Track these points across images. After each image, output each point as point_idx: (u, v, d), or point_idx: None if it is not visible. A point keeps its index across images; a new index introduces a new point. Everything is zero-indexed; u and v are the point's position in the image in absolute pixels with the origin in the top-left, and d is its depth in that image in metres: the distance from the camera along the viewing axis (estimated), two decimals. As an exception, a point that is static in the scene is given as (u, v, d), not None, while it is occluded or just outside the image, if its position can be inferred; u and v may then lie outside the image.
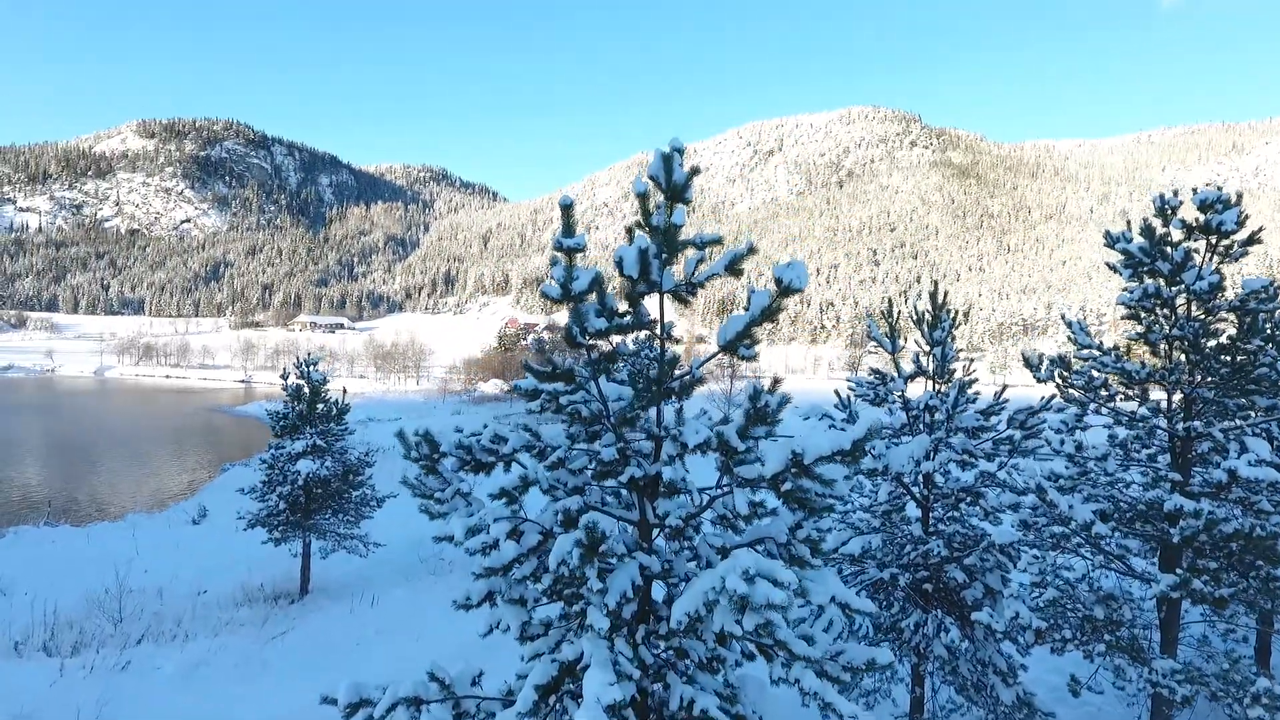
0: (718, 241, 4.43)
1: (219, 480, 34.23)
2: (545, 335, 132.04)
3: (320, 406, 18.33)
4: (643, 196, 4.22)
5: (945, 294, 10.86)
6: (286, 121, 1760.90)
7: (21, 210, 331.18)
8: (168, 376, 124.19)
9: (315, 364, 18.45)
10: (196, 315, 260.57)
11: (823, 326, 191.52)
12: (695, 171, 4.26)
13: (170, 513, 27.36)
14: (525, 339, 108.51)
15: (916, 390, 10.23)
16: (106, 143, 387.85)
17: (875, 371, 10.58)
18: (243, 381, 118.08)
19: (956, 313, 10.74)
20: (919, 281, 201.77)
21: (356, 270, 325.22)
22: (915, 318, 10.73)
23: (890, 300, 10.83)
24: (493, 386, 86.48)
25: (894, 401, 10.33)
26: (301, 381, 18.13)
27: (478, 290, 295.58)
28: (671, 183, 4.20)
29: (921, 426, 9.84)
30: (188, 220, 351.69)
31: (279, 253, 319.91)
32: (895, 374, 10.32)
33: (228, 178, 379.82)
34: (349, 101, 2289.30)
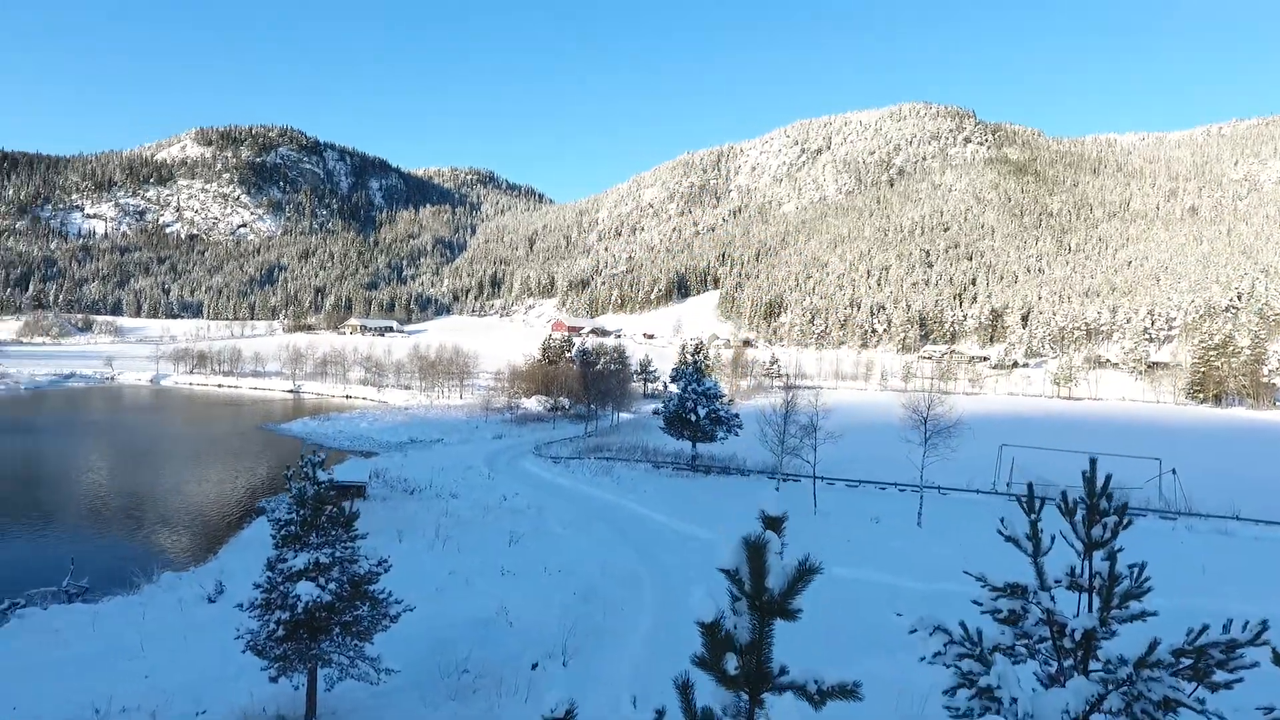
0: None
1: (247, 532, 32.82)
2: (590, 342, 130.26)
3: (328, 510, 16.24)
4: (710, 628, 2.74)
5: (1108, 477, 8.10)
6: (338, 127, 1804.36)
7: (89, 217, 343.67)
8: (220, 385, 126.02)
9: (320, 462, 16.36)
10: (252, 318, 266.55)
11: (873, 330, 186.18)
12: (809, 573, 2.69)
13: (189, 581, 25.82)
14: (569, 350, 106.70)
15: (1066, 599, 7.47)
16: (167, 151, 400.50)
17: (1012, 586, 7.82)
18: (291, 392, 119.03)
19: (1123, 509, 7.89)
20: (974, 284, 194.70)
21: (405, 273, 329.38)
22: (1066, 507, 7.94)
23: (1030, 486, 8.10)
24: (536, 403, 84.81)
25: (1037, 623, 7.58)
26: (306, 483, 16.05)
27: (524, 292, 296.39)
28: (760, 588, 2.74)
29: (1077, 664, 7.08)
30: (244, 225, 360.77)
31: (330, 256, 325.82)
32: (1038, 583, 7.60)
33: (282, 183, 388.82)
34: (398, 106, 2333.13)
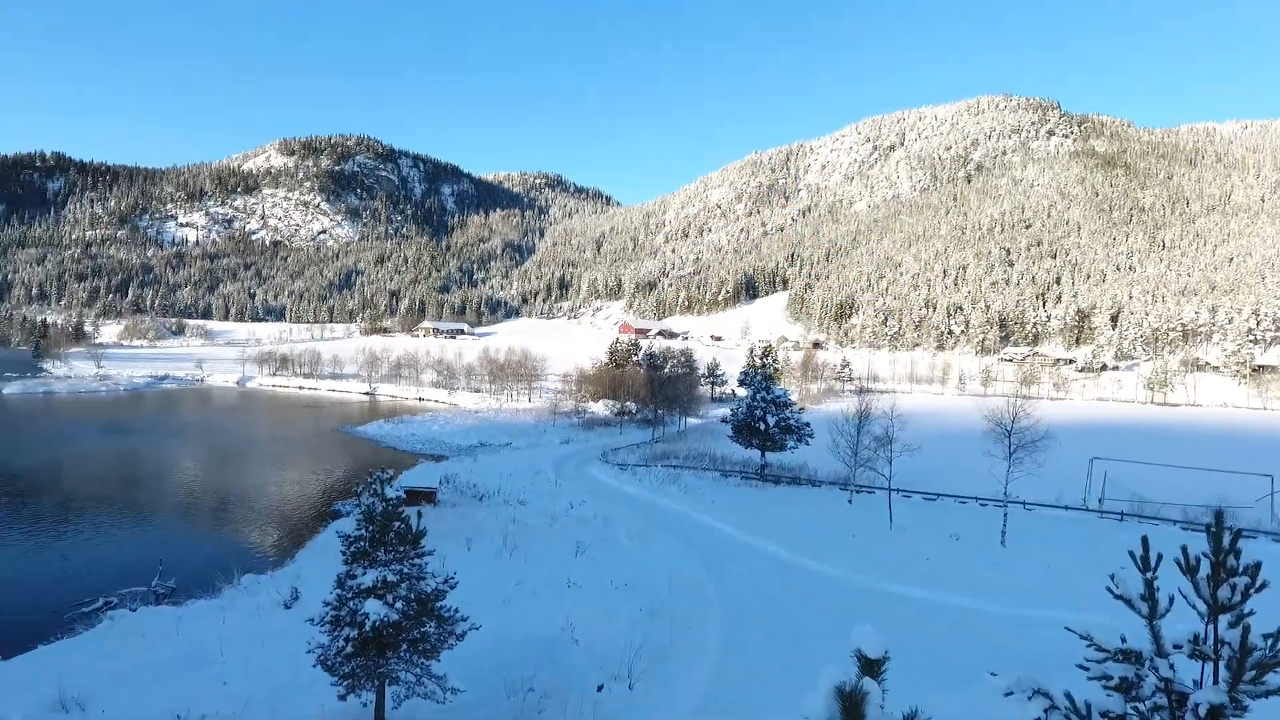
0: None
1: (322, 537, 33.59)
2: (656, 345, 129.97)
3: (395, 527, 16.24)
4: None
5: (1237, 533, 7.16)
6: (412, 135, 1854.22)
7: (182, 226, 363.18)
8: (300, 388, 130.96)
9: (389, 479, 16.37)
10: (330, 321, 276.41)
11: (950, 332, 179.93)
12: None
13: (267, 586, 26.49)
14: (636, 354, 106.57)
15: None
16: (253, 161, 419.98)
17: (1125, 651, 6.96)
18: (367, 394, 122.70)
19: (1256, 570, 6.94)
20: (1058, 283, 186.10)
21: (476, 276, 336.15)
22: (1187, 565, 7.05)
23: (1145, 540, 7.19)
24: (603, 407, 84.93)
25: (1153, 692, 6.71)
26: (375, 499, 16.09)
27: (591, 295, 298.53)
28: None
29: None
30: (324, 231, 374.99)
31: (405, 260, 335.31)
32: (1155, 648, 6.73)
33: (359, 190, 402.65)
34: (469, 113, 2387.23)
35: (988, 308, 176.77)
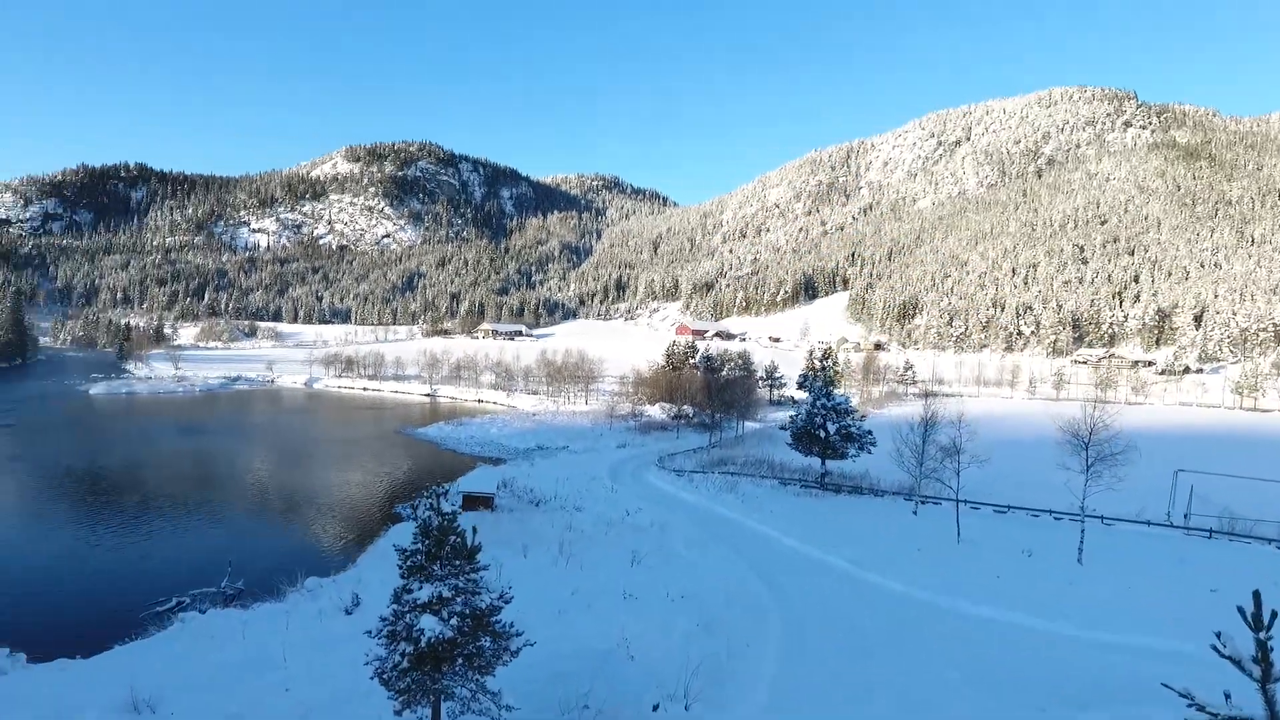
0: None
1: (383, 543, 34.03)
2: (714, 347, 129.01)
3: (451, 541, 16.15)
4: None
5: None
6: (472, 140, 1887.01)
7: (254, 232, 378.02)
8: (364, 389, 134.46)
9: (444, 493, 16.26)
10: (393, 323, 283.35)
11: (1019, 333, 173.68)
12: None
13: (329, 591, 26.93)
14: (693, 356, 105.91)
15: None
16: (320, 168, 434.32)
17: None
18: (428, 395, 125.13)
19: None
20: (1136, 281, 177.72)
21: (534, 278, 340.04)
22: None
23: (1258, 596, 6.35)
24: (659, 411, 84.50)
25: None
26: (431, 513, 16.04)
27: (648, 296, 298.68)
28: None
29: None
30: (387, 235, 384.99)
31: (465, 263, 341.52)
32: (1268, 715, 6.17)
33: (421, 195, 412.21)
34: (528, 116, 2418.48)
35: (1060, 307, 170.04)
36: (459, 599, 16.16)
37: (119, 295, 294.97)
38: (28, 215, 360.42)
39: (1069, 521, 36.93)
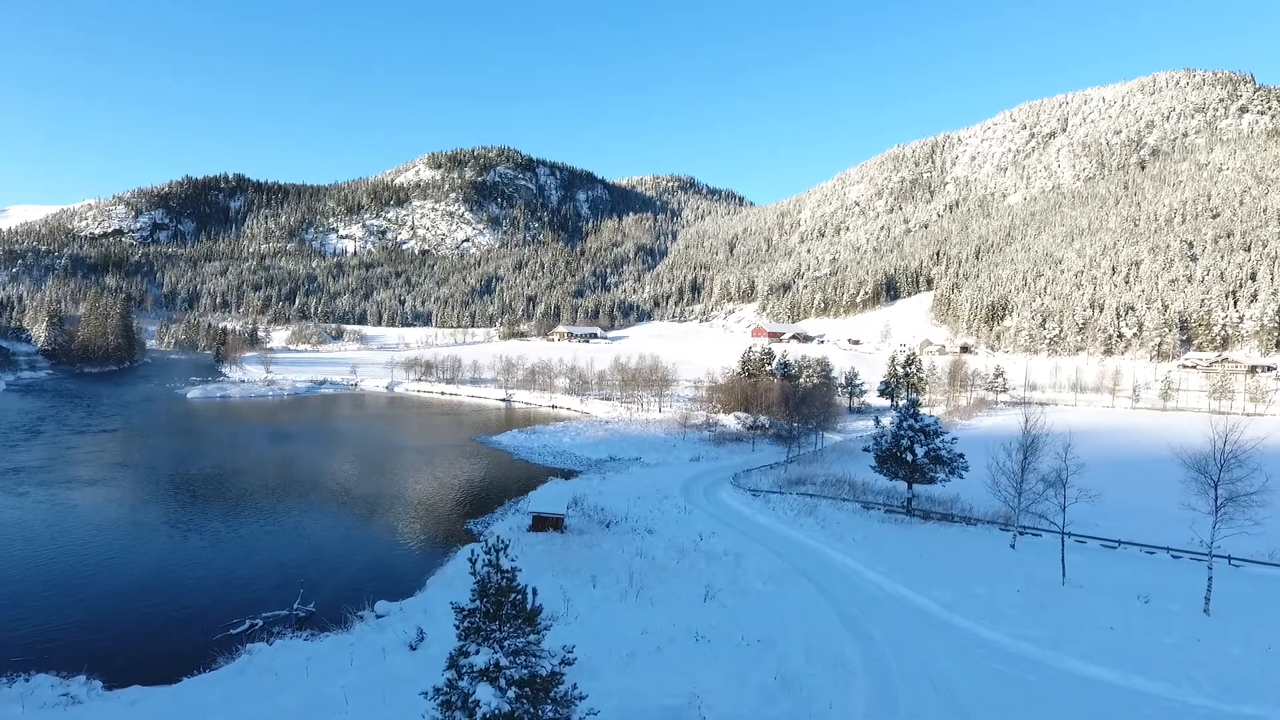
0: None
1: (450, 567, 33.48)
2: (791, 352, 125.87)
3: (512, 598, 15.10)
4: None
5: None
6: (549, 143, 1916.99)
7: (341, 238, 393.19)
8: (442, 393, 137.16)
9: (505, 547, 15.25)
10: (472, 325, 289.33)
11: (1120, 335, 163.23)
12: None
13: (396, 621, 26.46)
14: (770, 363, 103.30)
15: None
16: (403, 175, 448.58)
17: None
18: (503, 400, 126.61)
19: None
20: (1253, 279, 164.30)
21: (609, 280, 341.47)
22: None
23: None
24: (734, 421, 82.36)
25: None
26: (490, 569, 15.03)
27: (723, 297, 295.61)
28: None
29: None
30: (467, 240, 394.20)
31: (541, 266, 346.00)
32: None
33: (499, 199, 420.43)
34: (604, 119, 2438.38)
35: (1165, 307, 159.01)
36: (520, 659, 15.12)
37: (218, 300, 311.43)
38: (138, 225, 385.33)
39: (1189, 560, 33.34)
